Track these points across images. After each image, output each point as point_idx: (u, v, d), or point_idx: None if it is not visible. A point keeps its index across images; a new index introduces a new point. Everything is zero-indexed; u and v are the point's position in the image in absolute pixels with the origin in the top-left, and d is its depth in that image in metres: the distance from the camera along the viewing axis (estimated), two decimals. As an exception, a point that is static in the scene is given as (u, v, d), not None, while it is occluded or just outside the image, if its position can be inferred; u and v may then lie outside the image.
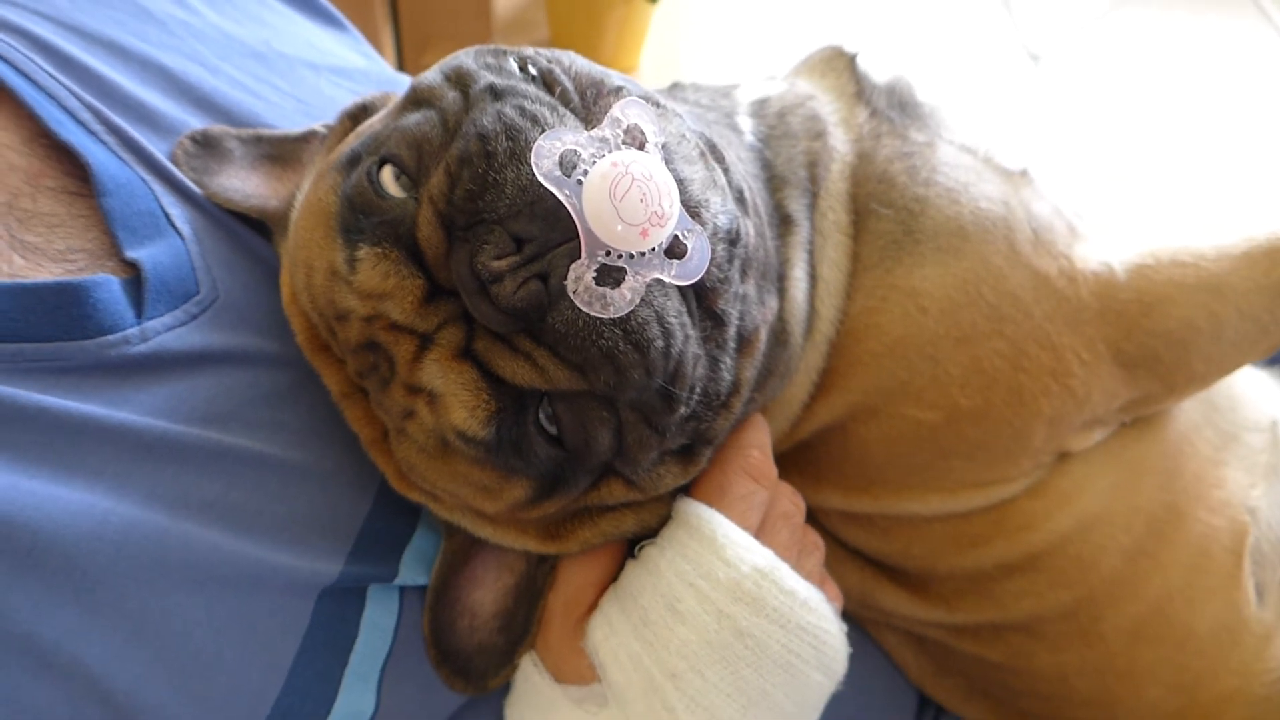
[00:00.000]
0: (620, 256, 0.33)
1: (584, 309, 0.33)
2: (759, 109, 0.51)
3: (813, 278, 0.47)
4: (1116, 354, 0.47)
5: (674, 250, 0.34)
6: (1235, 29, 2.05)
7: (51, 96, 0.45)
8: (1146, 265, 0.48)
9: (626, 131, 0.34)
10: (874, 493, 0.51)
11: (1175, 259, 0.48)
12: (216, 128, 0.51)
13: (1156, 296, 0.47)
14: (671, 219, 0.32)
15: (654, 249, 0.33)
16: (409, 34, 1.54)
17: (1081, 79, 1.95)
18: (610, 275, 0.33)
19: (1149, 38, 2.04)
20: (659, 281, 0.34)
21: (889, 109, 0.51)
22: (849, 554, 0.57)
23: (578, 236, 0.33)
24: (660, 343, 0.35)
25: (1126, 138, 1.83)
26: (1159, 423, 0.53)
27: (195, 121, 0.51)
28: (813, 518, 0.56)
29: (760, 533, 0.45)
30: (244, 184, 0.50)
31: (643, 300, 0.34)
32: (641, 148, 0.34)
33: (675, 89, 0.53)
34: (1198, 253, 0.48)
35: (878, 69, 0.53)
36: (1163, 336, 0.47)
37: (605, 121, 0.34)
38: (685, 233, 0.34)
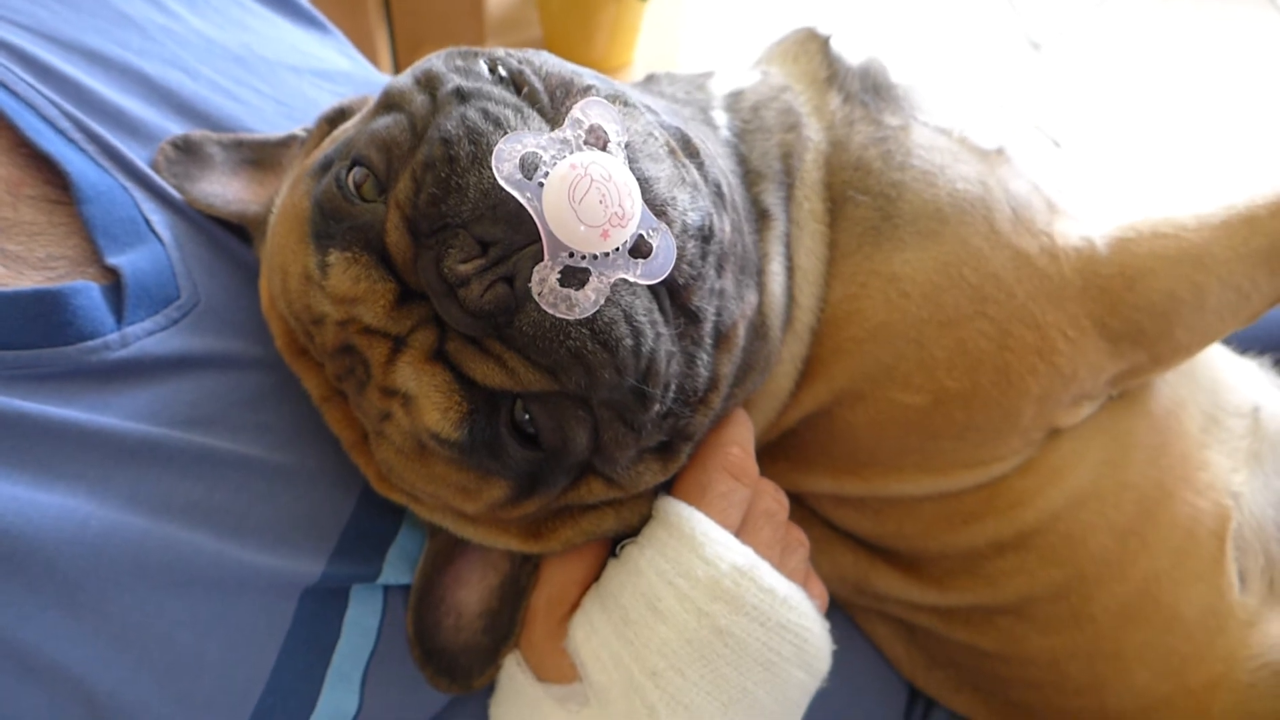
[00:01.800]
0: (584, 258, 0.33)
1: (549, 310, 0.33)
2: (733, 102, 0.50)
3: (790, 268, 0.47)
4: (1101, 329, 0.47)
5: (639, 249, 0.34)
6: (1239, 14, 2.03)
7: (30, 106, 0.45)
8: (1127, 238, 0.47)
9: (589, 131, 0.34)
10: (864, 475, 0.51)
11: (1156, 231, 0.48)
12: (197, 133, 0.51)
13: (1138, 269, 0.47)
14: (633, 219, 0.32)
15: (617, 249, 0.33)
16: (402, 34, 1.54)
17: (1083, 67, 1.93)
18: (575, 276, 0.33)
19: (1151, 25, 2.02)
20: (626, 281, 0.34)
21: (863, 92, 0.51)
22: (843, 537, 0.57)
23: (541, 239, 0.33)
24: (629, 341, 0.35)
25: (1129, 126, 1.81)
26: (1145, 396, 0.53)
27: (176, 127, 0.51)
28: (805, 503, 0.56)
29: (741, 531, 0.45)
30: (225, 189, 0.50)
31: (609, 300, 0.34)
32: (604, 148, 0.34)
33: (650, 81, 0.53)
34: (1178, 223, 0.48)
35: (851, 51, 0.53)
36: (1146, 309, 0.47)
37: (566, 122, 0.34)
38: (650, 231, 0.34)
